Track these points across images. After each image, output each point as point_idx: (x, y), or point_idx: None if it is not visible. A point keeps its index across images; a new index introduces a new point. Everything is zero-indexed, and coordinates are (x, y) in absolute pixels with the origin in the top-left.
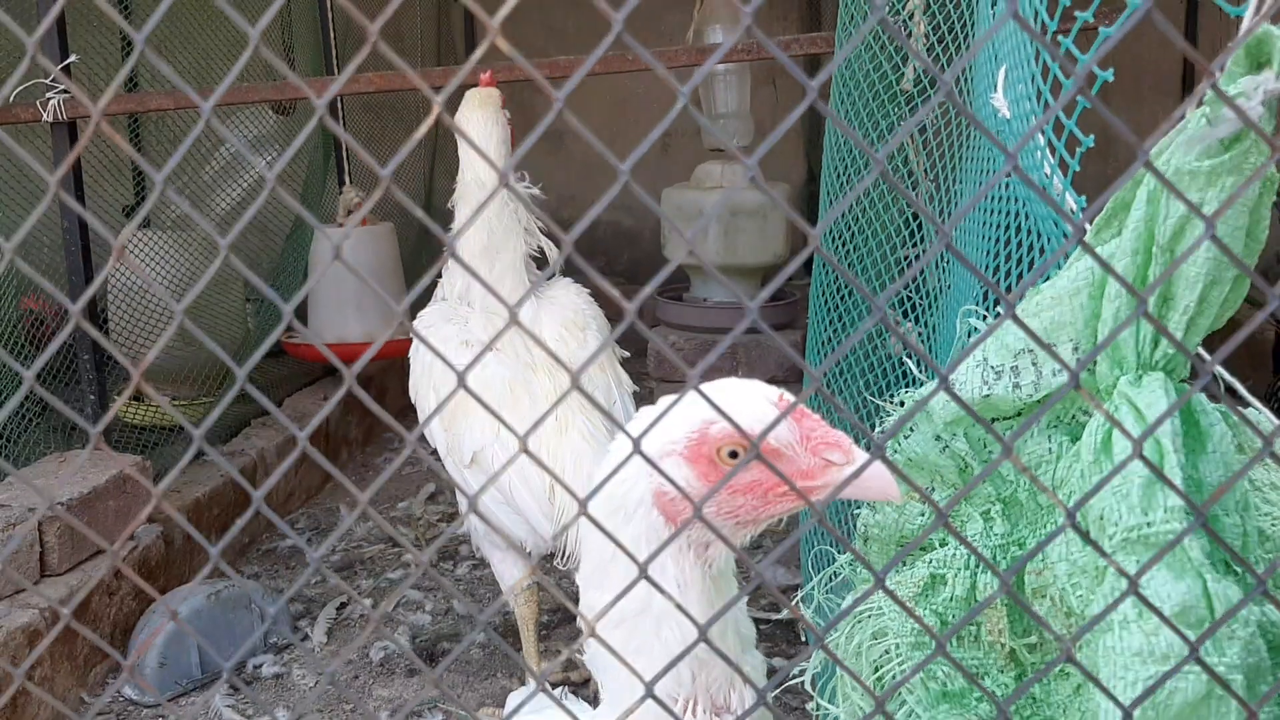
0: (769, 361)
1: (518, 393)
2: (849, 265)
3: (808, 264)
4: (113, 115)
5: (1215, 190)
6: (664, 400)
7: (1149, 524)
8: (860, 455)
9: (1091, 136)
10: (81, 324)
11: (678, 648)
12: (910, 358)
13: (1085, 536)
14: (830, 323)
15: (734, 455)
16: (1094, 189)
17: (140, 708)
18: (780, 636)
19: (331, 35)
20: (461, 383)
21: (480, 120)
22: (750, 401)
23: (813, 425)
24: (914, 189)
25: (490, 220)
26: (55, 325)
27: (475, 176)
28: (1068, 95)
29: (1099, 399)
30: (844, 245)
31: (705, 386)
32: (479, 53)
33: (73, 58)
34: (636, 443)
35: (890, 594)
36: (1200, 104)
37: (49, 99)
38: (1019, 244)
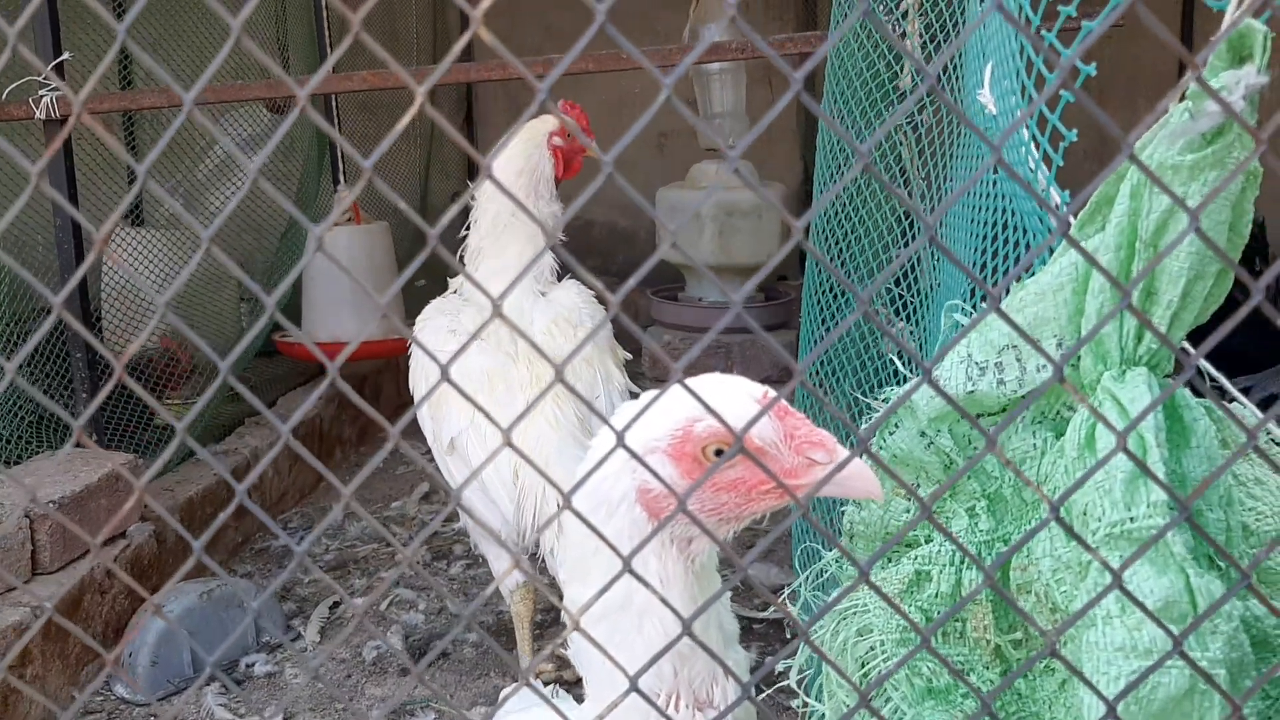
0: (763, 361)
1: (494, 381)
2: (841, 265)
3: (803, 262)
4: (105, 113)
5: (1198, 184)
6: (646, 395)
7: (1132, 519)
8: (845, 455)
9: (1074, 131)
10: (65, 316)
11: (659, 642)
12: (900, 356)
13: (1069, 530)
14: (822, 322)
15: (719, 453)
16: (1085, 185)
17: (132, 706)
18: (774, 636)
19: (326, 34)
20: (444, 373)
21: (515, 146)
22: (734, 398)
23: (796, 424)
24: (907, 187)
25: (498, 224)
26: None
27: (486, 189)
28: (1052, 87)
29: (1083, 394)
30: (836, 245)
31: (689, 382)
32: (461, 43)
33: (66, 55)
34: (620, 436)
35: (874, 587)
36: (1183, 98)
37: (42, 96)
38: (1005, 240)
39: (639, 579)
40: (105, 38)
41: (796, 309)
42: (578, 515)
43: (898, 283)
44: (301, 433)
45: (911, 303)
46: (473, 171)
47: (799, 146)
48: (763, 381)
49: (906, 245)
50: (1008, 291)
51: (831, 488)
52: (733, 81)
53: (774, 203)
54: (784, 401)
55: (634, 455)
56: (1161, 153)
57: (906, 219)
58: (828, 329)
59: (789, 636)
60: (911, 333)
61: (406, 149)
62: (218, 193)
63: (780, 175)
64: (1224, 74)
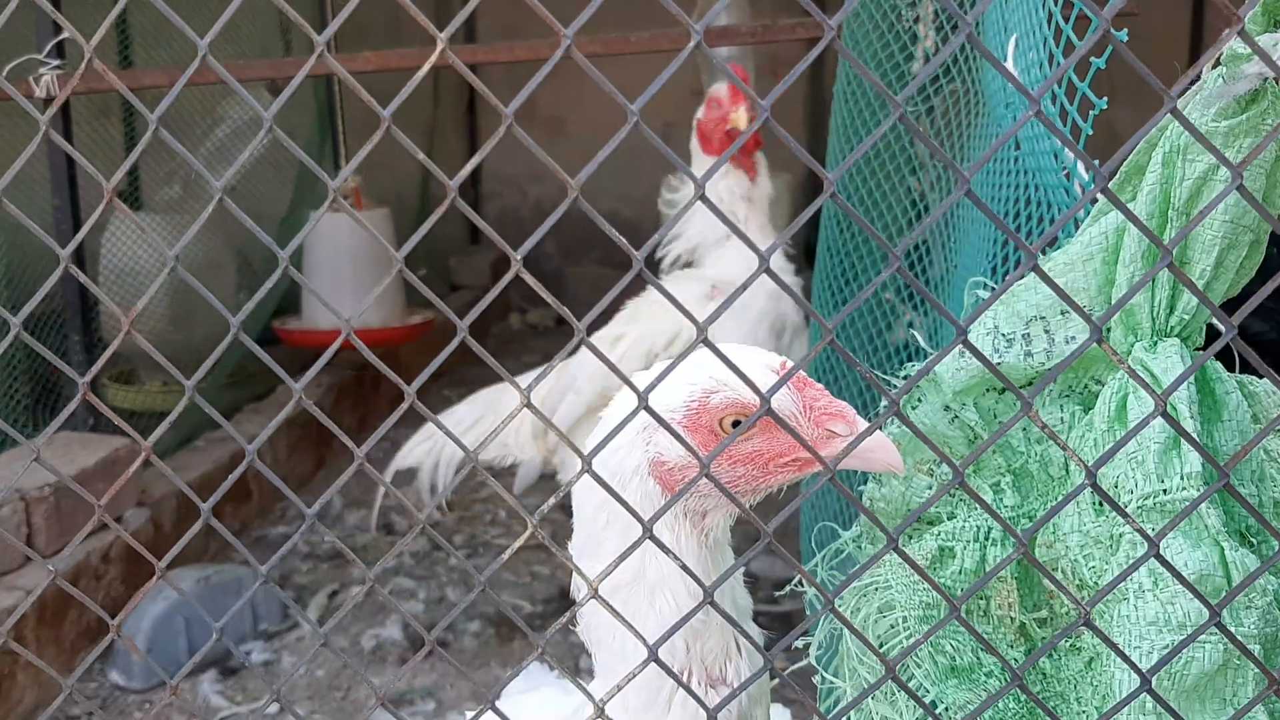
0: None
1: None
2: (854, 249)
3: (810, 254)
4: (105, 92)
5: (1233, 151)
6: (661, 364)
7: (1165, 490)
8: (865, 427)
9: (1105, 99)
10: (71, 269)
11: (672, 616)
12: (918, 332)
13: (1106, 497)
14: (836, 309)
15: (736, 424)
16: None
17: (128, 693)
18: (779, 628)
19: (329, 18)
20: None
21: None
22: (751, 368)
23: (815, 395)
24: (922, 169)
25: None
26: None
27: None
28: (1093, 38)
29: (1120, 357)
30: (848, 229)
31: (706, 351)
32: (464, 14)
33: (65, 34)
34: (643, 397)
35: (903, 555)
36: (1217, 63)
37: (41, 75)
38: (1029, 217)
39: (659, 544)
40: (104, 18)
41: (805, 298)
42: (597, 479)
43: (909, 269)
44: (300, 421)
45: (926, 287)
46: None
47: (806, 136)
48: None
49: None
50: (1045, 250)
51: (852, 460)
52: (740, 70)
53: (796, 148)
54: (802, 372)
55: (659, 419)
56: (1196, 118)
57: (922, 201)
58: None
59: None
60: (921, 322)
61: (409, 135)
62: (219, 175)
63: (787, 164)
64: (1262, 36)
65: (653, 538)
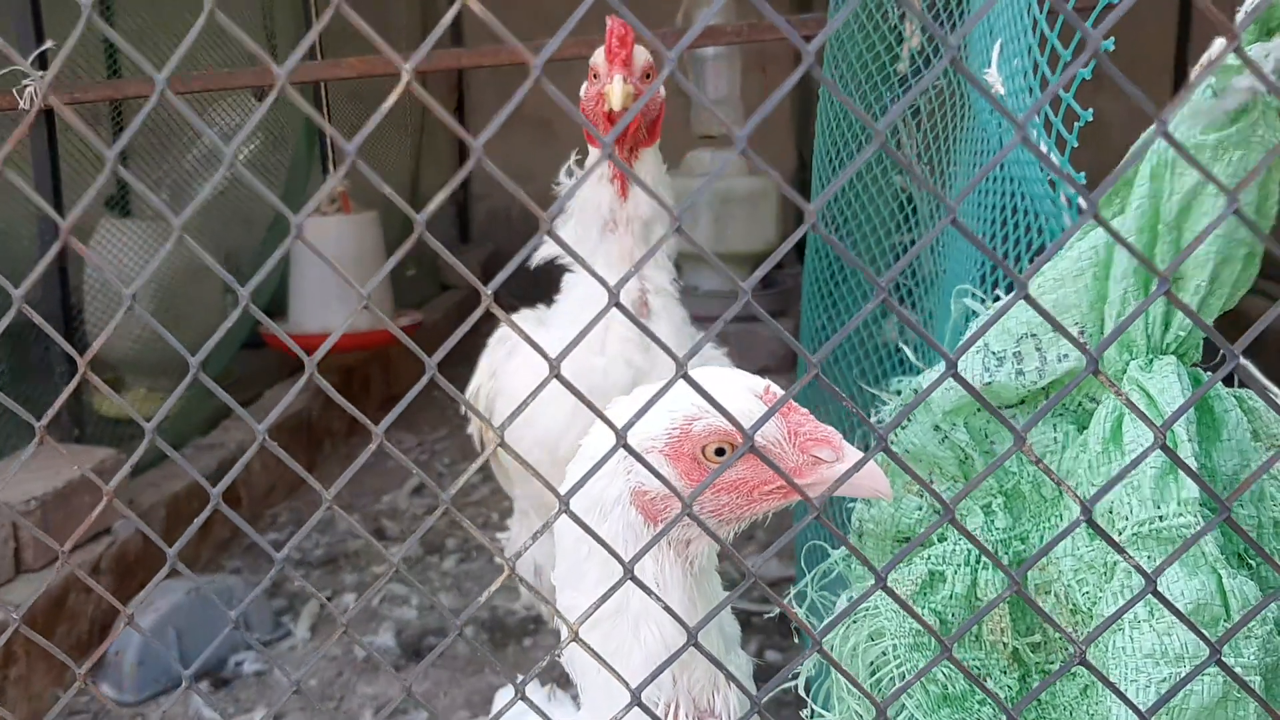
0: (759, 350)
1: None
2: (839, 254)
3: (800, 250)
4: (91, 102)
5: (1222, 165)
6: (641, 391)
7: (1161, 518)
8: (851, 452)
9: (1090, 110)
10: (73, 244)
11: (657, 648)
12: (907, 344)
13: (1104, 535)
14: (825, 310)
15: (719, 452)
16: (1090, 177)
17: (118, 706)
18: (773, 629)
19: (314, 22)
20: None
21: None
22: (734, 394)
23: (800, 420)
24: (905, 173)
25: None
26: None
27: None
28: (1083, 58)
29: (1105, 374)
30: (836, 230)
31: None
32: (451, 14)
33: (49, 44)
34: (620, 435)
35: (893, 595)
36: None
37: (25, 86)
38: (1016, 225)
39: (640, 585)
40: (88, 27)
41: (794, 296)
42: (573, 518)
43: (904, 267)
44: (290, 425)
45: (915, 290)
46: (463, 160)
47: (793, 135)
48: (759, 371)
49: (908, 230)
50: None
51: (841, 487)
52: (727, 68)
53: (784, 186)
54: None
55: (637, 457)
56: (1184, 132)
57: (909, 203)
58: (830, 316)
59: (791, 629)
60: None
61: (397, 138)
62: (204, 183)
63: (774, 163)
64: (1253, 47)
65: (633, 578)
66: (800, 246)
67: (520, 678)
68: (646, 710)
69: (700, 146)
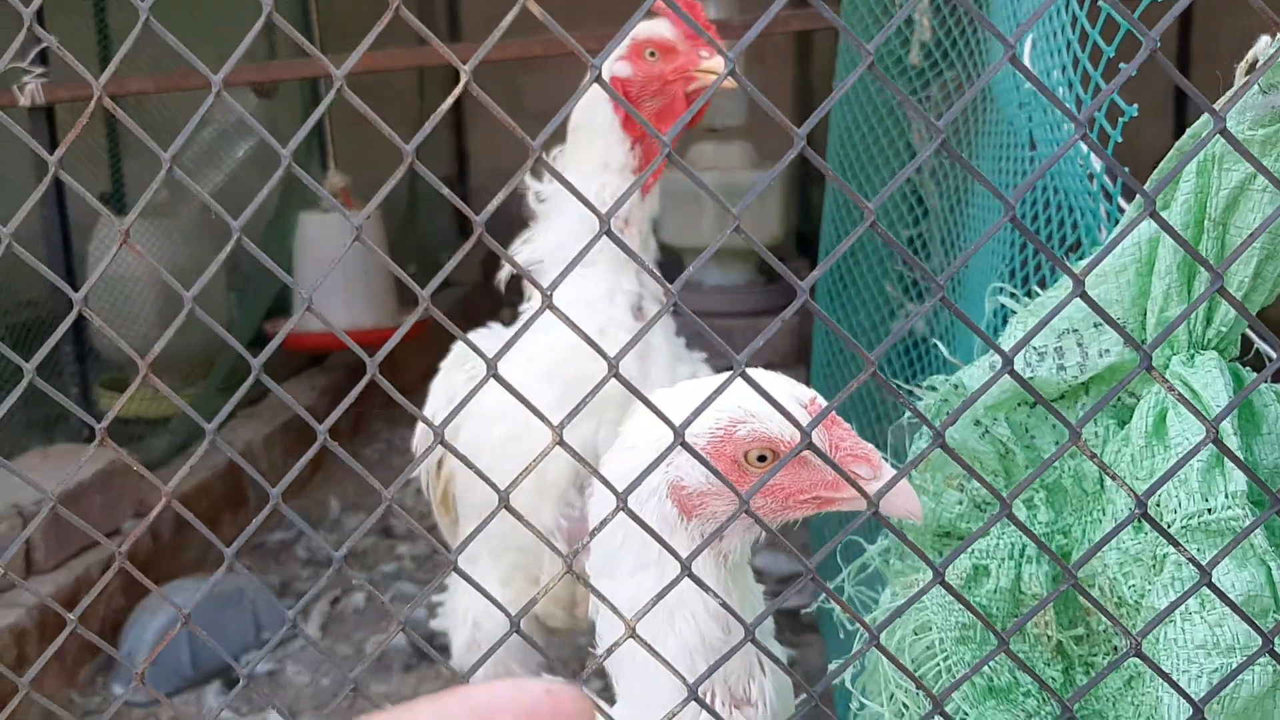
0: (766, 345)
1: None
2: (856, 249)
3: (803, 245)
4: (89, 99)
5: (1270, 160)
6: (687, 385)
7: (1209, 510)
8: (887, 470)
9: (1135, 106)
10: (87, 313)
11: (692, 638)
12: (940, 340)
13: (1157, 527)
14: (839, 306)
15: (761, 459)
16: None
17: (131, 706)
18: (784, 624)
19: (314, 17)
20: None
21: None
22: (781, 402)
23: (842, 435)
24: (921, 171)
25: None
26: None
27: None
28: (1139, 58)
29: (1158, 371)
30: (846, 227)
31: (745, 379)
32: (514, 13)
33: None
34: (679, 432)
35: (951, 590)
36: (1250, 68)
37: (26, 84)
38: (1049, 219)
39: (698, 582)
40: (86, 23)
41: (795, 292)
42: (632, 516)
43: (906, 262)
44: (296, 425)
45: (922, 283)
46: (462, 156)
47: (795, 121)
48: (767, 366)
49: (917, 224)
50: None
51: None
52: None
53: (771, 193)
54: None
55: (697, 456)
56: (1231, 127)
57: (920, 206)
58: (844, 314)
59: (802, 625)
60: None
61: (396, 131)
62: (205, 179)
63: (777, 155)
64: None
65: (692, 575)
66: (806, 241)
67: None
68: (705, 706)
69: (705, 139)
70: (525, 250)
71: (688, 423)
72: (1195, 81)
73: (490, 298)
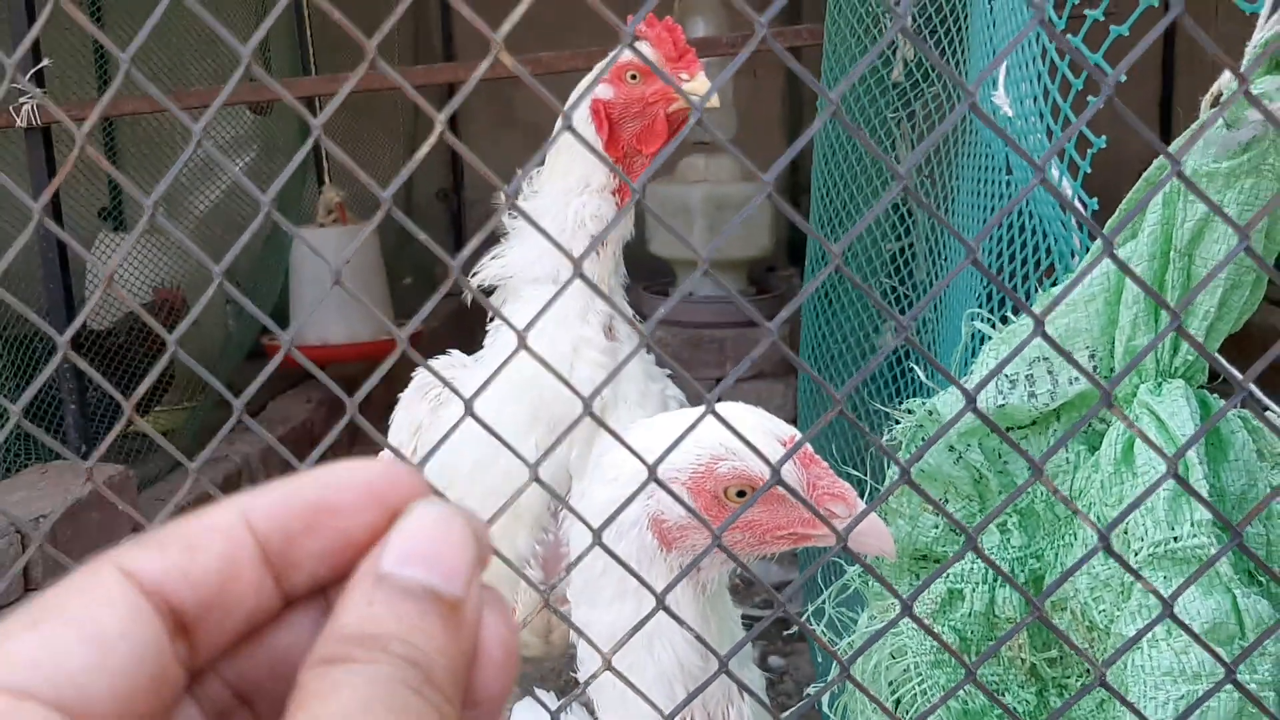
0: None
1: None
2: (844, 260)
3: (793, 255)
4: (85, 119)
5: (1234, 192)
6: (662, 419)
7: (1175, 539)
8: (862, 509)
9: (1104, 138)
10: (71, 357)
11: (670, 666)
12: (916, 364)
13: (1122, 561)
14: (825, 321)
15: (740, 494)
16: (1102, 198)
17: None
18: (774, 634)
19: (308, 36)
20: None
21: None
22: (758, 439)
23: (820, 473)
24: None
25: None
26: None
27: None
28: (1094, 107)
29: (1119, 407)
30: (831, 238)
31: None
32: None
33: (45, 61)
34: (652, 470)
35: (918, 621)
36: (1214, 103)
37: (22, 104)
38: (1024, 244)
39: (673, 616)
40: (83, 41)
41: (787, 301)
42: (606, 550)
43: (892, 275)
44: (293, 436)
45: (911, 298)
46: (456, 168)
47: (785, 138)
48: (755, 377)
49: (902, 236)
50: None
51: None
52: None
53: (790, 213)
54: (809, 447)
55: (670, 493)
56: (1195, 160)
57: (906, 209)
58: (831, 329)
59: (792, 634)
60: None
61: (389, 146)
62: (201, 195)
63: (766, 167)
64: (1263, 80)
65: (666, 609)
66: (797, 251)
67: (536, 692)
68: None
69: (695, 152)
70: (494, 266)
71: (660, 459)
72: (1178, 90)
73: (485, 309)
